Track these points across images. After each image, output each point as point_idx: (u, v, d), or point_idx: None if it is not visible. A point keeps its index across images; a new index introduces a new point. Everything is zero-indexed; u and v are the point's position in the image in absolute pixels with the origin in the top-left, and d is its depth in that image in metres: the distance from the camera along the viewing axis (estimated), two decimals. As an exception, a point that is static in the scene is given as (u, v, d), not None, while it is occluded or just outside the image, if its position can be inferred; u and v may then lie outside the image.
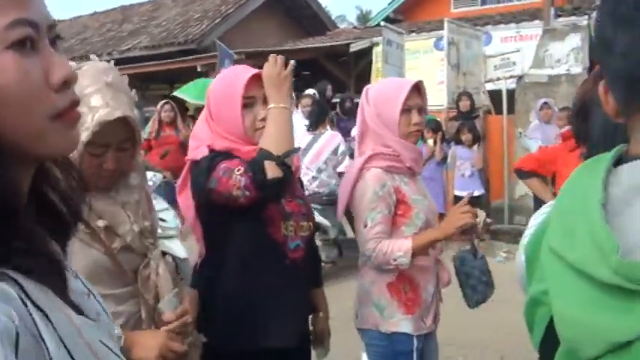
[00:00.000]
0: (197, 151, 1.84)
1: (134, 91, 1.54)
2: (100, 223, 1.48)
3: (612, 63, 0.75)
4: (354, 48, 11.00)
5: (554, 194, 2.71)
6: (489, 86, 8.66)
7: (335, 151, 5.96)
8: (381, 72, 8.66)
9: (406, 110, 2.14)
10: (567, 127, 6.78)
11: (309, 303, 2.09)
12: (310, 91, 7.26)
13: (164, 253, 1.89)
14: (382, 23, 7.54)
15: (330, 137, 6.02)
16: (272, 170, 1.71)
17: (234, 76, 1.87)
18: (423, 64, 10.41)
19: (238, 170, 1.72)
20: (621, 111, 0.79)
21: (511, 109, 8.15)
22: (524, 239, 1.26)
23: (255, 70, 1.85)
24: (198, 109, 9.05)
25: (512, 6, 12.52)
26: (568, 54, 7.67)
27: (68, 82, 0.63)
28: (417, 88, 2.18)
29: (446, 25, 7.66)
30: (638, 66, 0.72)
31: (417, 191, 2.21)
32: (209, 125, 1.87)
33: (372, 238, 2.07)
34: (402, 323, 2.17)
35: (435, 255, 2.28)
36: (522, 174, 3.13)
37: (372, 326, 2.21)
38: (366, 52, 11.14)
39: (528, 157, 3.24)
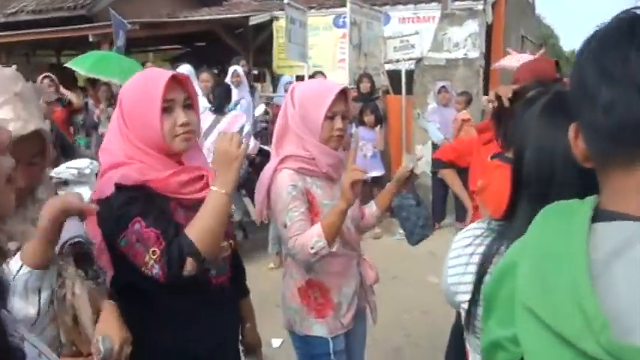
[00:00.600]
0: (104, 184, 1.67)
1: (42, 99, 1.39)
2: (12, 245, 1.34)
3: (592, 115, 0.75)
4: (253, 21, 10.81)
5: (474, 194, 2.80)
6: (388, 66, 8.83)
7: (240, 132, 5.84)
8: (284, 50, 8.57)
9: (330, 116, 2.13)
10: (465, 111, 7.11)
11: (238, 319, 2.06)
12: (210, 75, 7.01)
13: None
14: (285, 1, 7.41)
15: (233, 118, 5.89)
16: (190, 266, 1.60)
17: (150, 79, 1.75)
18: (323, 40, 10.44)
19: (154, 253, 1.59)
20: (594, 161, 0.80)
21: (409, 90, 8.38)
22: (450, 262, 1.26)
23: (172, 72, 1.76)
24: (89, 81, 8.52)
25: (410, -14, 12.80)
26: (466, 39, 7.97)
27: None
28: (344, 94, 2.17)
29: (348, 5, 7.68)
30: (620, 124, 0.72)
31: (332, 197, 2.20)
32: (121, 133, 1.74)
33: (291, 236, 2.08)
34: (314, 327, 2.24)
35: (353, 257, 2.32)
36: (440, 164, 3.21)
37: (292, 329, 2.30)
38: (266, 26, 11.00)
39: (447, 147, 3.33)
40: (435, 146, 7.30)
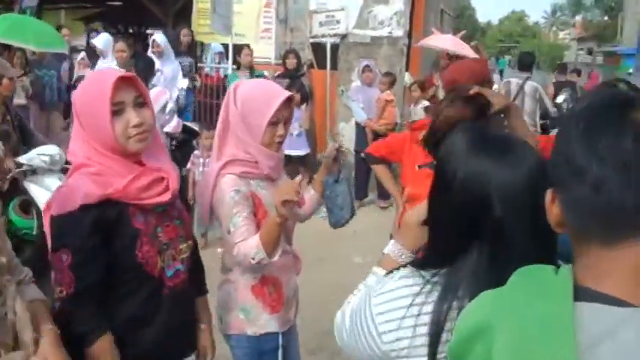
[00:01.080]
0: (66, 196, 1.70)
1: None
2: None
3: (579, 190, 0.76)
4: (173, -16, 10.47)
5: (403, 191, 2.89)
6: (313, 39, 8.83)
7: (163, 109, 5.69)
8: (207, 18, 8.35)
9: (274, 122, 2.13)
10: (388, 92, 7.25)
11: (193, 320, 2.07)
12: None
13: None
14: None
15: (156, 94, 5.71)
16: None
17: (97, 82, 1.75)
18: (247, 8, 10.21)
19: (60, 292, 1.70)
20: (572, 233, 0.80)
21: (334, 65, 8.44)
22: (383, 326, 1.14)
23: (120, 73, 1.73)
24: (2, 46, 7.95)
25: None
26: (391, 17, 8.08)
27: None
28: (288, 99, 2.17)
29: (276, -22, 7.56)
30: (609, 204, 0.73)
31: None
32: (80, 135, 1.75)
33: (236, 241, 2.09)
34: (269, 324, 2.26)
35: (290, 250, 2.36)
36: (372, 159, 3.28)
37: (239, 331, 2.26)
38: (187, -11, 10.69)
39: (379, 142, 3.39)
40: (358, 125, 7.43)
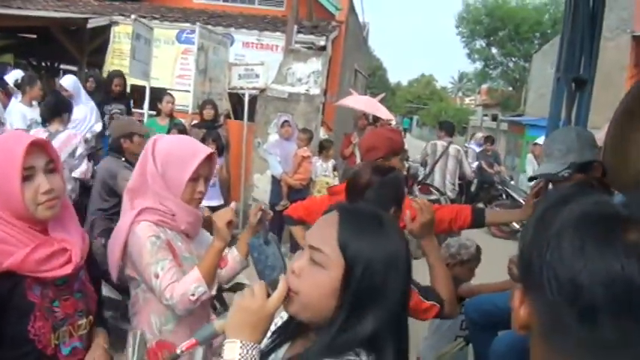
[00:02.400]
0: None
1: None
2: None
3: (567, 315, 0.77)
4: (92, 24, 10.39)
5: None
6: (231, 91, 8.99)
7: (72, 154, 5.58)
8: (124, 62, 8.34)
9: (194, 179, 2.14)
10: (305, 148, 7.48)
11: None
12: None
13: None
14: (132, 17, 7.25)
15: (67, 137, 5.61)
16: None
17: (8, 147, 1.69)
18: (164, 53, 10.32)
19: None
20: (541, 341, 0.81)
21: (251, 116, 8.61)
22: None
23: (33, 137, 1.73)
24: None
25: (254, 9, 13.11)
26: (309, 75, 8.40)
27: None
28: (209, 156, 2.19)
29: (197, 30, 7.73)
30: (602, 335, 0.74)
31: (190, 251, 2.23)
32: None
33: (168, 284, 2.04)
34: None
35: (204, 315, 2.30)
36: (290, 221, 3.38)
37: None
38: (105, 29, 10.64)
39: (298, 205, 3.50)
40: (274, 178, 7.59)
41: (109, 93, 7.43)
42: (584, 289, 0.74)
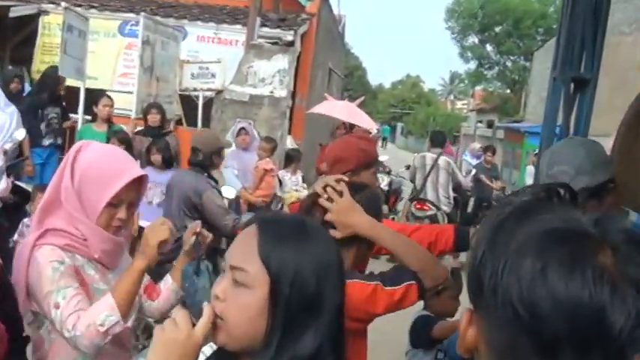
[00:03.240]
0: None
1: None
2: None
3: (521, 339, 0.78)
4: (16, 13, 10.28)
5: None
6: (183, 93, 8.96)
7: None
8: (55, 59, 8.26)
9: (114, 204, 2.10)
10: (268, 159, 7.47)
11: None
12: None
13: None
14: (63, 4, 7.18)
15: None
16: None
17: None
18: (103, 48, 10.25)
19: None
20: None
21: (206, 123, 8.59)
22: None
23: None
24: None
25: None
26: (273, 74, 8.43)
27: None
28: (137, 180, 2.14)
29: (141, 21, 7.68)
30: None
31: (108, 282, 2.17)
32: None
33: (70, 314, 1.96)
34: None
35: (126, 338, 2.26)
36: None
37: None
38: (31, 19, 10.54)
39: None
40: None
41: (55, 94, 7.40)
42: (546, 318, 0.74)
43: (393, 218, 10.78)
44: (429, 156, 8.84)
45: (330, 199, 2.09)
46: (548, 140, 3.32)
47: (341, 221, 2.07)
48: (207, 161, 4.98)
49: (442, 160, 8.81)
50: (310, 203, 2.16)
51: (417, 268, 2.05)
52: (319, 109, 9.68)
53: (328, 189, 2.12)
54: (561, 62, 3.27)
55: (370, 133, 14.20)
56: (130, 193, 2.11)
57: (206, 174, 4.96)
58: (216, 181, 5.35)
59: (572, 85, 3.33)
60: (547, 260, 0.76)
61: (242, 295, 1.23)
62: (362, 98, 11.31)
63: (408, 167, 11.61)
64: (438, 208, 8.60)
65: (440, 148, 9.07)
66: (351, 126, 10.00)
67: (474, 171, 11.73)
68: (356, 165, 2.90)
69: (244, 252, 1.25)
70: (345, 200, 2.10)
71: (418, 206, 8.98)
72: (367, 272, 2.13)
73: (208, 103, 8.60)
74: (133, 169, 2.14)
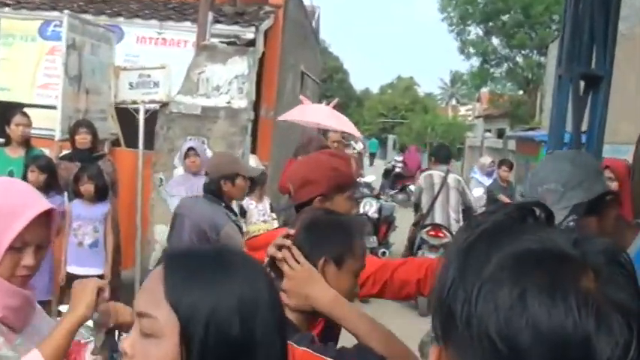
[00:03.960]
0: None
1: None
2: None
3: None
4: None
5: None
6: (120, 107, 8.92)
7: None
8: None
9: (17, 248, 2.08)
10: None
11: None
12: None
13: None
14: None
15: None
16: None
17: None
18: (19, 54, 10.24)
19: None
20: None
21: (150, 143, 8.55)
22: None
23: None
24: None
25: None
26: (230, 81, 8.43)
27: None
28: (46, 216, 2.12)
29: (65, 20, 7.67)
30: None
31: (16, 348, 2.15)
32: None
33: None
34: None
35: None
36: None
37: None
38: None
39: None
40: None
41: None
42: (527, 351, 0.78)
43: (384, 253, 10.82)
44: (437, 174, 9.29)
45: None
46: (556, 149, 3.36)
47: (296, 292, 2.11)
48: (212, 187, 5.20)
49: (451, 179, 9.30)
50: (271, 263, 2.18)
51: (386, 356, 2.06)
52: (291, 115, 9.70)
53: (284, 251, 2.14)
54: (567, 57, 3.33)
55: (352, 146, 14.20)
56: (37, 232, 2.09)
57: (223, 204, 5.18)
58: (235, 214, 5.50)
59: (582, 84, 3.39)
60: (525, 286, 0.80)
61: (151, 348, 1.24)
62: (336, 100, 11.26)
63: (401, 189, 11.71)
64: (452, 234, 8.89)
65: (445, 164, 9.55)
66: (325, 133, 9.99)
67: (482, 191, 11.81)
68: (327, 188, 2.93)
69: (151, 296, 1.26)
70: (304, 268, 2.12)
71: (432, 233, 9.29)
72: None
73: (151, 119, 8.56)
74: (37, 203, 2.12)
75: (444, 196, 9.21)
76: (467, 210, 9.48)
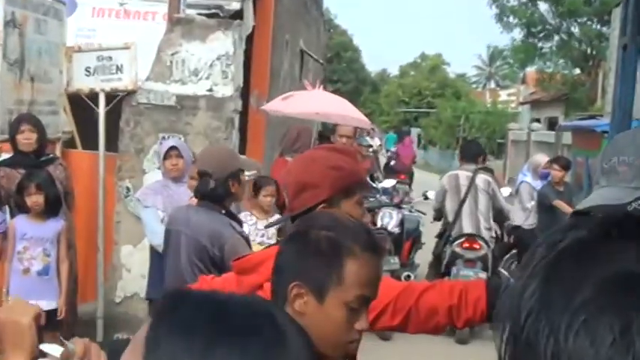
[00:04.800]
0: None
1: None
2: None
3: None
4: None
5: None
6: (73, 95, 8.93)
7: None
8: None
9: None
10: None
11: None
12: None
13: None
14: None
15: None
16: None
17: None
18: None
19: None
20: None
21: (113, 145, 8.56)
22: None
23: None
24: None
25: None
26: (211, 64, 8.43)
27: None
28: None
29: (4, -10, 7.69)
30: None
31: None
32: None
33: None
34: None
35: None
36: None
37: None
38: None
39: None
40: (155, 253, 7.44)
41: None
42: None
43: (409, 276, 10.74)
44: (463, 175, 9.55)
45: None
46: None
47: None
48: (220, 190, 5.14)
49: (480, 180, 9.52)
50: None
51: None
52: (276, 105, 9.53)
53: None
54: (633, 24, 3.32)
55: (366, 143, 14.12)
56: None
57: (224, 211, 5.17)
58: (240, 222, 5.47)
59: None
60: (630, 317, 0.80)
61: None
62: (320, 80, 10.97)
63: (426, 197, 11.68)
64: (488, 245, 9.29)
65: (474, 163, 9.77)
66: (333, 128, 9.92)
67: (532, 203, 11.61)
68: (330, 192, 2.93)
69: None
70: None
71: (467, 245, 9.42)
72: None
73: (114, 112, 8.58)
74: None
75: (471, 201, 9.46)
76: (496, 215, 9.83)
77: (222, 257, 4.77)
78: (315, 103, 9.22)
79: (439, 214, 10.14)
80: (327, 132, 12.25)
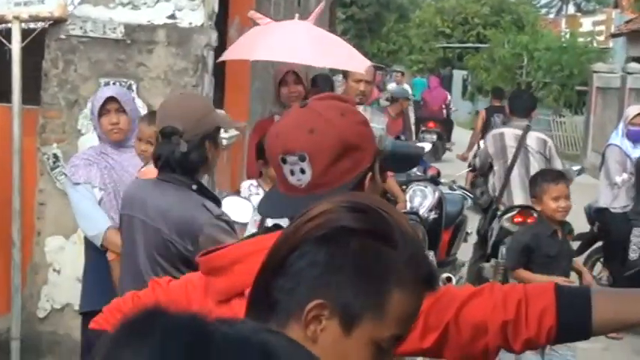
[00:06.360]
0: None
1: None
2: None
3: None
4: None
5: None
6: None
7: None
8: None
9: None
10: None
11: None
12: None
13: None
14: None
15: None
16: None
17: None
18: None
19: None
20: None
21: (32, 94, 8.65)
22: None
23: None
24: None
25: None
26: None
27: None
28: None
29: None
30: None
31: None
32: None
33: None
34: None
35: None
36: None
37: None
38: None
39: (119, 303, 3.62)
40: (90, 246, 7.50)
41: None
42: None
43: (449, 279, 10.71)
44: (510, 133, 10.03)
45: None
46: None
47: None
48: (194, 155, 5.06)
49: (532, 139, 10.01)
50: None
51: None
52: (238, 51, 9.37)
53: None
54: None
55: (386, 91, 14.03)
56: None
57: (195, 185, 5.08)
58: (218, 201, 5.44)
59: None
60: None
61: None
62: (322, 4, 10.41)
63: (472, 169, 11.80)
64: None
65: (526, 118, 10.28)
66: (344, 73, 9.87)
67: (624, 176, 11.23)
68: (372, 156, 2.99)
69: None
70: None
71: (519, 219, 9.79)
72: None
73: (35, 49, 8.67)
74: None
75: (521, 166, 9.85)
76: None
77: (195, 251, 4.48)
78: (299, 41, 8.76)
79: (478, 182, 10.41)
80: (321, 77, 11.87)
